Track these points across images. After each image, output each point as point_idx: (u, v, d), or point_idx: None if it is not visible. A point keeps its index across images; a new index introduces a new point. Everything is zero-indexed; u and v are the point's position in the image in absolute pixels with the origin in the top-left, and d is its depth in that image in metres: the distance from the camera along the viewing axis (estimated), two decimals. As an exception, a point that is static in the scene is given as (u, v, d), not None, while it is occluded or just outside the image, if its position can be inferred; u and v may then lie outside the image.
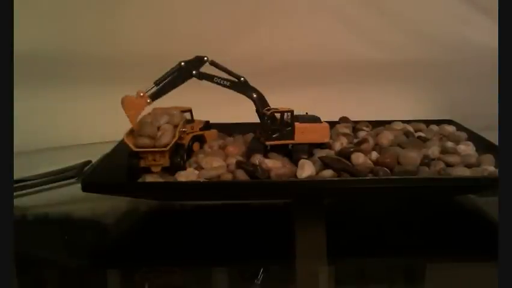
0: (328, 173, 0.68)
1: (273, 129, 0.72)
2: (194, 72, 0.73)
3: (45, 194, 0.79)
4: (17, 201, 0.74)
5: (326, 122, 0.75)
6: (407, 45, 1.14)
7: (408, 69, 1.14)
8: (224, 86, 0.74)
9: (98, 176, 0.68)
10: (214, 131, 0.82)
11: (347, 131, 0.83)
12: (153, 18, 1.08)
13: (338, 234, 0.66)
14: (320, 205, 0.73)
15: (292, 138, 0.73)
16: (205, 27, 1.09)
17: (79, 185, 0.64)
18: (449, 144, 0.78)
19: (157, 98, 0.71)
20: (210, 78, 0.73)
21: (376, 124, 0.88)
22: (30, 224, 0.72)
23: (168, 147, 0.68)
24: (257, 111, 0.74)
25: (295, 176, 0.68)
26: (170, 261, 0.61)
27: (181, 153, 0.71)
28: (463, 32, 1.15)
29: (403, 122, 0.87)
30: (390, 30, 1.14)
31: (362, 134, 0.82)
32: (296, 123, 0.72)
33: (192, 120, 0.78)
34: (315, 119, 0.74)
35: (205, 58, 0.73)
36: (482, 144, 0.78)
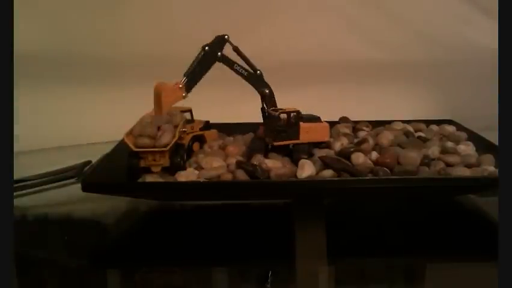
0: (328, 173, 0.68)
1: (280, 129, 0.72)
2: (219, 54, 0.72)
3: (45, 194, 0.79)
4: (17, 201, 0.74)
5: (325, 121, 0.75)
6: (407, 45, 1.14)
7: (408, 69, 1.14)
8: (241, 75, 0.74)
9: (98, 176, 0.68)
10: (214, 131, 0.82)
11: (347, 131, 0.83)
12: (153, 19, 1.08)
13: (338, 234, 0.66)
14: (319, 205, 0.73)
15: (298, 138, 0.73)
16: (205, 27, 1.09)
17: (79, 185, 0.64)
18: (449, 144, 0.78)
19: (191, 89, 0.71)
20: (230, 64, 0.73)
21: (376, 124, 0.88)
22: (30, 224, 0.72)
23: (168, 147, 0.68)
24: (263, 109, 0.74)
25: (295, 176, 0.68)
26: (170, 261, 0.61)
27: (181, 153, 0.71)
28: (463, 33, 1.15)
29: (403, 122, 0.87)
30: (390, 30, 1.14)
31: (362, 134, 0.82)
32: (301, 123, 0.72)
33: (191, 120, 0.78)
34: (316, 118, 0.74)
35: (226, 36, 0.73)
36: (482, 144, 0.78)
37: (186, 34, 1.08)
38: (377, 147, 0.76)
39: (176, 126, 0.71)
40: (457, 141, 0.79)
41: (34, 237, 0.67)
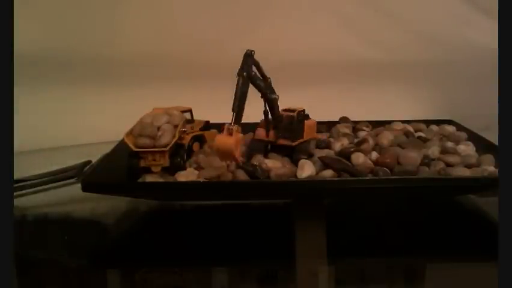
0: (328, 173, 0.68)
1: (291, 128, 0.72)
2: (253, 73, 0.66)
3: (45, 194, 0.79)
4: (17, 201, 0.74)
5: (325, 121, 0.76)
6: (407, 45, 1.14)
7: (408, 69, 1.14)
8: (260, 88, 0.69)
9: (98, 176, 0.68)
10: (214, 131, 0.82)
11: (347, 131, 0.83)
12: (153, 18, 1.08)
13: (338, 234, 0.66)
14: (319, 205, 0.73)
15: (302, 137, 0.73)
16: (205, 27, 1.09)
17: (79, 185, 0.64)
18: (449, 144, 0.78)
19: (240, 121, 0.64)
20: (255, 82, 0.68)
21: (376, 124, 0.88)
22: (30, 224, 0.72)
23: (168, 147, 0.68)
24: (266, 112, 0.72)
25: (295, 176, 0.68)
26: (170, 261, 0.61)
27: (181, 153, 0.71)
28: (463, 33, 1.15)
29: (403, 122, 0.87)
30: (390, 30, 1.13)
31: (362, 134, 0.82)
32: (305, 121, 0.73)
33: (191, 120, 0.78)
34: (307, 115, 0.75)
35: (252, 52, 0.66)
36: (482, 144, 0.78)
37: (186, 34, 1.09)
38: (377, 147, 0.76)
39: (176, 126, 0.71)
40: (457, 141, 0.79)
41: (34, 237, 0.67)
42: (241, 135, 0.63)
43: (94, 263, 0.62)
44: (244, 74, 0.64)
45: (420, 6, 1.13)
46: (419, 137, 0.80)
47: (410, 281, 0.59)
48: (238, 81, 0.64)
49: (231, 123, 0.62)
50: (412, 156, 0.71)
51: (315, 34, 1.12)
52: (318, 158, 0.70)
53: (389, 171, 0.68)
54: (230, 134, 0.61)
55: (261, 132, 0.75)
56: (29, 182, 0.79)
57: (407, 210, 0.73)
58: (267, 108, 0.72)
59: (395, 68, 1.14)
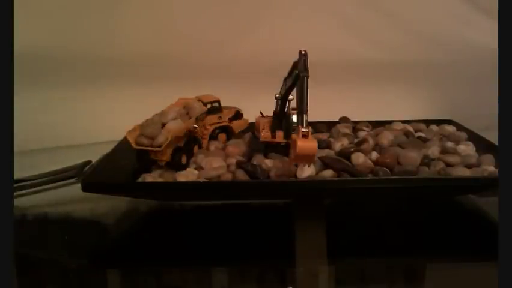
0: (328, 173, 0.68)
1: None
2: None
3: (45, 194, 0.79)
4: (17, 201, 0.74)
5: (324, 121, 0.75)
6: (407, 46, 1.14)
7: (408, 69, 1.14)
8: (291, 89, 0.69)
9: (98, 176, 0.68)
10: (244, 121, 0.81)
11: (347, 131, 0.83)
12: (153, 18, 1.08)
13: (338, 234, 0.66)
14: (320, 205, 0.73)
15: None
16: (205, 27, 1.09)
17: (79, 185, 0.64)
18: (449, 144, 0.78)
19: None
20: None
21: (376, 124, 0.88)
22: (30, 224, 0.72)
23: (162, 148, 0.69)
24: (279, 111, 0.72)
25: (295, 176, 0.68)
26: (170, 261, 0.61)
27: (182, 151, 0.72)
28: (463, 33, 1.15)
29: (403, 122, 0.87)
30: (390, 30, 1.13)
31: (362, 134, 0.82)
32: None
33: (219, 110, 0.78)
34: None
35: (305, 52, 0.66)
36: (482, 144, 0.78)
37: (186, 34, 1.09)
38: (377, 147, 0.76)
39: (189, 119, 0.72)
40: (457, 141, 0.79)
41: (34, 237, 0.67)
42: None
43: (94, 263, 0.62)
44: (302, 74, 0.63)
45: (420, 7, 1.13)
46: (419, 137, 0.80)
47: (410, 281, 0.59)
48: (303, 82, 0.62)
49: (302, 126, 0.60)
50: (412, 156, 0.71)
51: (315, 34, 1.11)
52: (318, 158, 0.70)
53: (389, 171, 0.68)
54: (305, 136, 0.59)
55: (267, 134, 0.73)
56: (29, 182, 0.79)
57: (407, 210, 0.73)
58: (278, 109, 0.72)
59: (395, 68, 1.14)
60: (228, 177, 0.68)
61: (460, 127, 0.87)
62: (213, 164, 0.70)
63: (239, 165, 0.69)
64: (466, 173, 0.69)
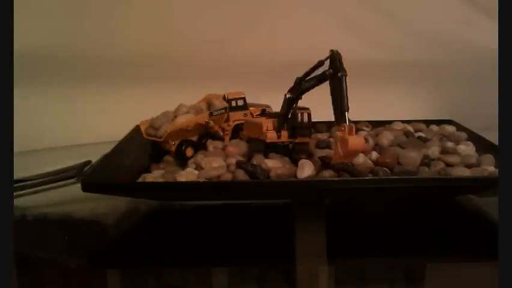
0: (328, 173, 0.68)
1: (307, 126, 0.72)
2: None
3: (45, 194, 0.79)
4: (17, 201, 0.74)
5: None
6: (407, 46, 1.14)
7: (408, 69, 1.14)
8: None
9: (98, 176, 0.68)
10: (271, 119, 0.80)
11: (347, 131, 0.83)
12: (153, 18, 1.09)
13: (338, 234, 0.66)
14: (320, 205, 0.73)
15: (310, 136, 0.74)
16: (205, 27, 1.09)
17: (79, 185, 0.64)
18: (449, 144, 0.78)
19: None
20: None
21: (376, 124, 0.88)
22: (30, 224, 0.72)
23: (162, 139, 0.73)
24: (286, 111, 0.72)
25: (295, 176, 0.68)
26: (170, 261, 0.61)
27: (186, 145, 0.75)
28: (463, 33, 1.15)
29: (403, 122, 0.87)
30: (390, 30, 1.14)
31: (362, 134, 0.82)
32: None
33: (244, 107, 0.78)
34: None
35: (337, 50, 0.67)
36: (482, 144, 0.78)
37: (186, 34, 1.09)
38: (377, 147, 0.76)
39: (199, 113, 0.75)
40: (457, 141, 0.79)
41: (34, 237, 0.67)
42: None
43: (94, 263, 0.62)
44: (339, 74, 0.65)
45: (420, 7, 1.13)
46: (419, 137, 0.80)
47: (410, 281, 0.59)
48: (342, 81, 0.64)
49: (346, 123, 0.61)
50: (412, 156, 0.71)
51: (315, 34, 1.12)
52: (318, 157, 0.70)
53: (389, 171, 0.68)
54: (350, 133, 0.61)
55: (273, 135, 0.72)
56: (29, 182, 0.79)
57: (407, 210, 0.73)
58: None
59: (395, 68, 1.14)
60: (228, 177, 0.68)
61: (460, 127, 0.87)
62: (213, 164, 0.70)
63: (239, 165, 0.69)
64: (466, 173, 0.69)
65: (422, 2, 1.13)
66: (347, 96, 0.63)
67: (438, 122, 0.90)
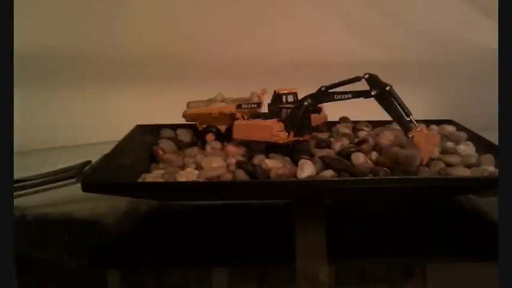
0: (328, 173, 0.68)
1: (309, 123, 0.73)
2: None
3: (45, 194, 0.79)
4: (17, 201, 0.74)
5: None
6: (407, 46, 1.14)
7: (408, 69, 1.14)
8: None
9: (98, 176, 0.68)
10: (323, 115, 0.80)
11: (347, 131, 0.83)
12: (154, 18, 1.09)
13: (338, 234, 0.66)
14: (320, 205, 0.73)
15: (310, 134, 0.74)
16: (207, 27, 1.09)
17: (79, 185, 0.64)
18: (449, 144, 0.78)
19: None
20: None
21: (376, 124, 0.88)
22: (30, 224, 0.72)
23: (183, 117, 0.81)
24: (303, 113, 0.72)
25: (295, 176, 0.68)
26: (171, 261, 0.61)
27: (207, 131, 0.81)
28: (463, 33, 1.15)
29: (403, 122, 0.87)
30: (390, 30, 1.14)
31: (362, 134, 0.82)
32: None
33: (295, 103, 0.78)
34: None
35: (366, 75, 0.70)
36: (482, 144, 0.78)
37: (188, 34, 1.09)
38: (377, 147, 0.76)
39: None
40: (457, 141, 0.79)
41: (34, 237, 0.67)
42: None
43: (94, 263, 0.62)
44: (388, 88, 0.69)
45: (420, 7, 1.13)
46: (419, 137, 0.80)
47: (410, 281, 0.59)
48: (392, 92, 0.69)
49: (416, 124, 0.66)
50: (412, 156, 0.70)
51: (316, 34, 1.12)
52: (318, 157, 0.70)
53: (389, 171, 0.68)
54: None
55: (285, 136, 0.71)
56: (29, 182, 0.79)
57: (407, 210, 0.73)
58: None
59: (396, 68, 1.13)
60: (228, 177, 0.68)
61: (460, 127, 0.87)
62: (213, 164, 0.70)
63: (239, 165, 0.69)
64: (466, 173, 0.69)
65: (422, 2, 1.13)
66: (403, 103, 0.67)
67: (439, 122, 0.90)
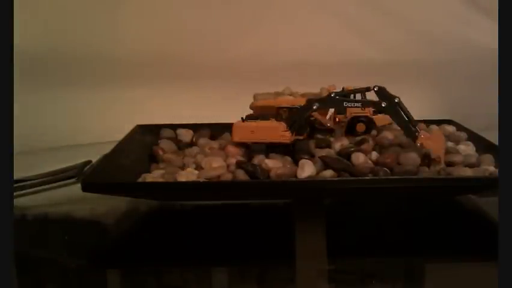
0: (328, 173, 0.68)
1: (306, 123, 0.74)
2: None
3: (45, 194, 0.79)
4: (17, 201, 0.74)
5: None
6: (407, 45, 1.14)
7: (408, 69, 1.14)
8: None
9: (98, 176, 0.68)
10: (386, 116, 0.80)
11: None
12: (154, 18, 1.09)
13: (338, 234, 0.66)
14: (319, 205, 0.73)
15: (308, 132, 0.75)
16: (207, 27, 1.09)
17: (79, 185, 0.64)
18: (449, 144, 0.78)
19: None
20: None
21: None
22: (30, 224, 0.72)
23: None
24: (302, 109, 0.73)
25: (296, 176, 0.68)
26: (170, 261, 0.61)
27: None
28: (463, 32, 1.15)
29: (403, 122, 0.87)
30: (390, 30, 1.14)
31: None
32: None
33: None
34: None
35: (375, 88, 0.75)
36: (482, 144, 0.78)
37: (188, 34, 1.09)
38: (377, 147, 0.76)
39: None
40: (457, 141, 0.79)
41: (34, 237, 0.67)
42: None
43: (94, 263, 0.62)
44: (397, 100, 0.72)
45: (420, 6, 1.13)
46: (419, 137, 0.80)
47: (410, 280, 0.59)
48: (400, 103, 0.72)
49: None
50: (412, 156, 0.70)
51: (316, 34, 1.12)
52: (318, 157, 0.70)
53: (389, 171, 0.68)
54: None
55: (288, 135, 0.72)
56: (29, 182, 0.79)
57: (407, 210, 0.73)
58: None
59: (395, 68, 1.14)
60: (228, 177, 0.67)
61: (460, 127, 0.87)
62: (213, 164, 0.70)
63: (239, 165, 0.69)
64: (466, 172, 0.69)
65: (422, 2, 1.13)
66: (409, 112, 0.71)
67: (438, 122, 0.90)
